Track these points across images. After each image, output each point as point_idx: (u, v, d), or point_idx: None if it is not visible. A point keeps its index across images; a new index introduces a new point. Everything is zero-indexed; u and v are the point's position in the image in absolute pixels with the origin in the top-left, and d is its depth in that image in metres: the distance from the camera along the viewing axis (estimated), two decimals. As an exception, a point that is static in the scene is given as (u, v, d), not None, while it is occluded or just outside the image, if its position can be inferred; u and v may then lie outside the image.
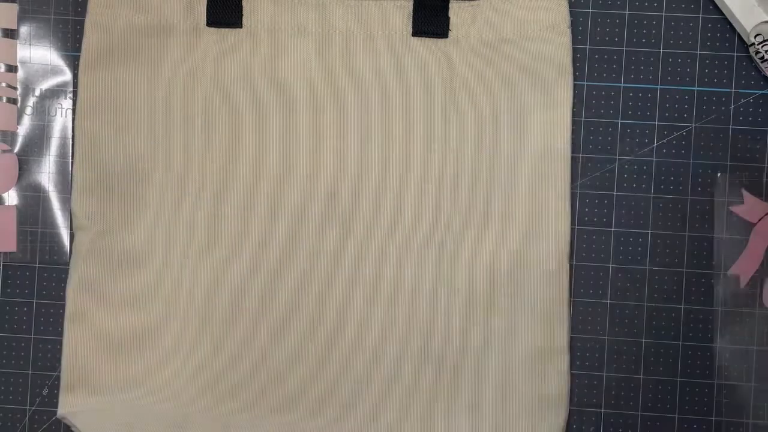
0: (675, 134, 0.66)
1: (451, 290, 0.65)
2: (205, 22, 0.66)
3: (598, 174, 0.66)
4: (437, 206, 0.65)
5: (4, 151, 0.67)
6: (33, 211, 0.67)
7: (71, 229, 0.67)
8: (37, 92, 0.68)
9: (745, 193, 0.65)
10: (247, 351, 0.65)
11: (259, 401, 0.65)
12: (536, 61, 0.65)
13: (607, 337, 0.66)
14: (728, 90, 0.66)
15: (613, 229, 0.66)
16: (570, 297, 0.66)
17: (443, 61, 0.66)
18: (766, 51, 0.64)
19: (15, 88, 0.68)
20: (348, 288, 0.65)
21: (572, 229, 0.65)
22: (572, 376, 0.65)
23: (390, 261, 0.65)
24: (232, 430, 0.65)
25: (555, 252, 0.65)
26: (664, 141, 0.66)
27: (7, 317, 0.68)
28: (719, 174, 0.65)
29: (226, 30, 0.66)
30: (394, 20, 0.66)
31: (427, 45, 0.66)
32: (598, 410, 0.66)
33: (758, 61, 0.65)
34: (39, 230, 0.67)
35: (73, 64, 0.68)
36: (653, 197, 0.66)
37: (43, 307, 0.67)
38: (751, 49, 0.65)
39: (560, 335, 0.65)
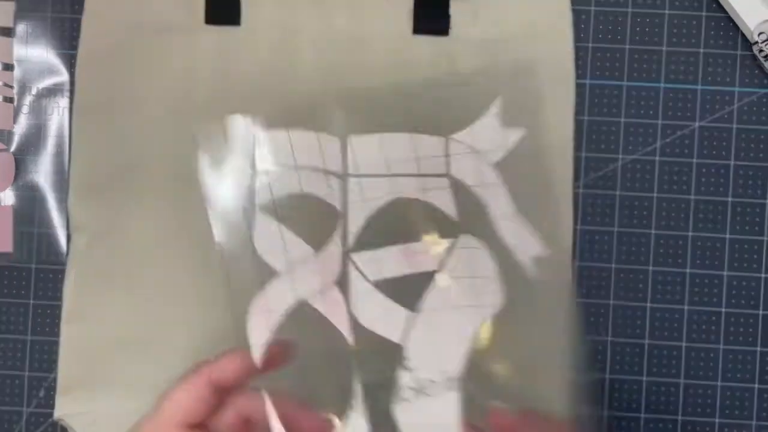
0: (678, 133, 0.66)
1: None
2: (203, 20, 0.66)
3: (600, 173, 0.66)
4: (437, 205, 0.65)
5: (0, 151, 0.67)
6: (29, 211, 0.67)
7: (68, 229, 0.67)
8: (34, 91, 0.68)
9: None
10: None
11: None
12: (537, 59, 0.65)
13: (609, 338, 0.66)
14: (732, 89, 0.66)
15: (615, 229, 0.66)
16: (571, 297, 0.65)
17: (444, 60, 0.65)
18: (770, 49, 0.64)
19: (11, 87, 0.67)
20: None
21: (574, 229, 0.65)
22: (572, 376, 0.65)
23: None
24: None
25: (556, 252, 0.65)
26: (668, 140, 0.66)
27: (3, 318, 0.67)
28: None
29: (225, 28, 0.66)
30: (394, 18, 0.66)
31: (428, 43, 0.66)
32: (599, 410, 0.66)
33: (762, 59, 0.64)
34: (35, 230, 0.67)
35: (70, 62, 0.67)
36: (656, 197, 0.66)
37: (40, 308, 0.67)
38: (755, 48, 0.64)
39: (560, 335, 0.65)
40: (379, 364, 0.43)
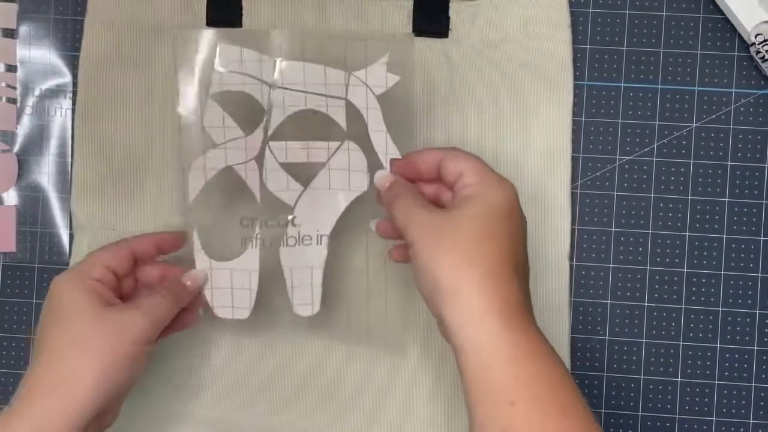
0: (675, 134, 0.66)
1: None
2: (204, 21, 0.66)
3: (598, 174, 0.66)
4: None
5: (3, 151, 0.67)
6: (32, 211, 0.67)
7: (71, 229, 0.67)
8: (37, 92, 0.68)
9: None
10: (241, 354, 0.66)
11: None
12: (536, 60, 0.65)
13: (607, 337, 0.66)
14: (729, 90, 0.66)
15: (613, 229, 0.66)
16: (570, 297, 0.66)
17: (443, 61, 0.66)
18: (766, 51, 0.64)
19: (14, 88, 0.68)
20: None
21: (572, 229, 0.66)
22: (572, 375, 0.65)
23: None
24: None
25: (555, 252, 0.65)
26: (665, 141, 0.66)
27: (6, 317, 0.68)
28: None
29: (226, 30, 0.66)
30: (394, 20, 0.66)
31: (427, 45, 0.66)
32: (598, 410, 0.66)
33: (759, 60, 0.65)
34: (38, 230, 0.67)
35: (73, 63, 0.68)
36: (653, 197, 0.66)
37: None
38: (752, 49, 0.65)
39: (560, 335, 0.65)
40: (275, 219, 0.59)
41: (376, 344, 0.63)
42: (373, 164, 0.58)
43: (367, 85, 0.58)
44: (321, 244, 0.60)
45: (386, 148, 0.58)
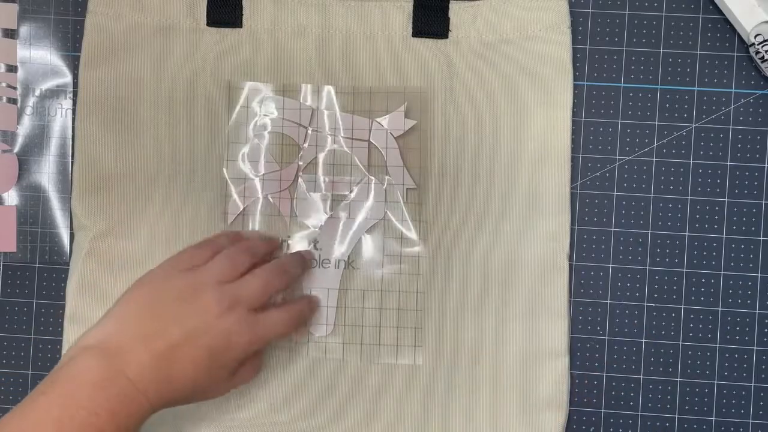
0: (675, 134, 0.66)
1: (448, 290, 0.65)
2: (205, 21, 0.66)
3: (598, 174, 0.66)
4: (437, 205, 0.65)
5: (4, 151, 0.67)
6: (33, 211, 0.67)
7: (71, 229, 0.67)
8: (37, 92, 0.68)
9: None
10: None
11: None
12: (536, 61, 0.65)
13: (607, 337, 0.66)
14: (728, 90, 0.66)
15: (613, 229, 0.66)
16: (570, 297, 0.66)
17: (443, 62, 0.66)
18: (766, 51, 0.64)
19: (15, 88, 0.68)
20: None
21: (572, 229, 0.66)
22: (572, 376, 0.65)
23: (390, 260, 0.66)
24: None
25: (555, 252, 0.65)
26: (664, 141, 0.66)
27: (7, 317, 0.68)
28: None
29: (227, 30, 0.66)
30: (394, 21, 0.66)
31: (427, 45, 0.66)
32: (598, 410, 0.66)
33: (758, 61, 0.65)
34: (39, 230, 0.67)
35: (73, 64, 0.68)
36: (653, 197, 0.66)
37: (43, 307, 0.67)
38: (751, 49, 0.65)
39: (560, 336, 0.65)
40: (300, 242, 0.66)
41: (387, 361, 0.65)
42: (390, 195, 0.65)
43: (387, 130, 0.65)
44: (338, 267, 0.65)
45: (403, 180, 0.65)
